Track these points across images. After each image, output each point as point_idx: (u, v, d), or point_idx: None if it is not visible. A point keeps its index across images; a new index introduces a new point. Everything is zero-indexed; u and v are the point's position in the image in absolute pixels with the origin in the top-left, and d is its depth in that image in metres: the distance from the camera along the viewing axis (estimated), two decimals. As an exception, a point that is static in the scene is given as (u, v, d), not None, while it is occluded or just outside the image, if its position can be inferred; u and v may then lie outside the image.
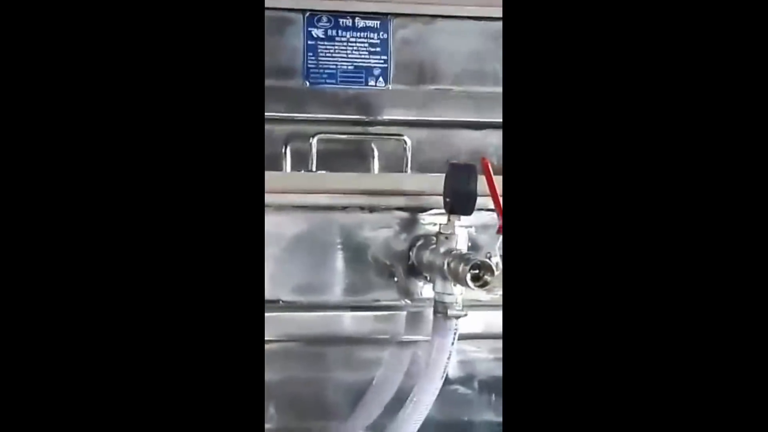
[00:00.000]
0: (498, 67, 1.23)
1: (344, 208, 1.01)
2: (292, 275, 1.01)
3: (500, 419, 1.10)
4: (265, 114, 1.02)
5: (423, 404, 0.97)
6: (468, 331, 0.98)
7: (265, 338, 0.92)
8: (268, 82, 1.05)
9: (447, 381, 1.02)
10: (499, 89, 0.98)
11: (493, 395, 1.08)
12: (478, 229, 0.99)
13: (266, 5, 0.98)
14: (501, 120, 0.93)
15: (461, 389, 1.07)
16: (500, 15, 0.82)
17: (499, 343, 0.90)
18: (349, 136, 1.17)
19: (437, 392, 0.97)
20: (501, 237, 0.95)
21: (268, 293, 1.00)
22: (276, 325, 1.00)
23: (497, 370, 1.05)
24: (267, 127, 1.10)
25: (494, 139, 1.16)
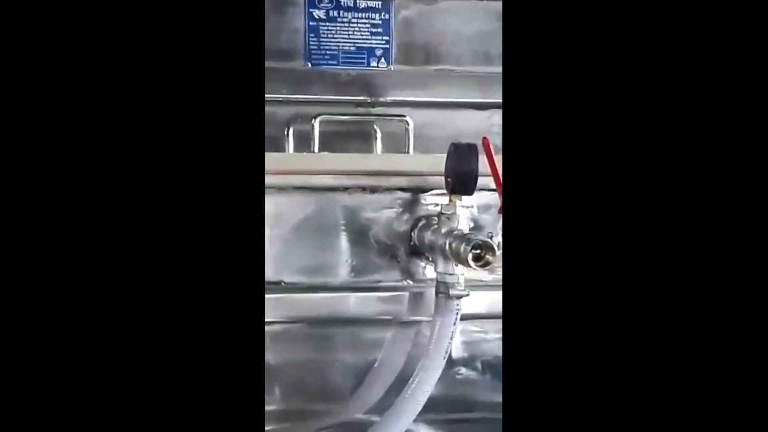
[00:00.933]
0: (500, 47, 1.19)
1: (346, 189, 1.01)
2: (294, 256, 1.02)
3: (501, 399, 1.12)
4: (267, 96, 1.08)
5: (426, 384, 0.97)
6: (471, 311, 0.97)
7: (267, 320, 0.96)
8: (270, 63, 1.08)
9: (450, 361, 1.01)
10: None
11: (497, 375, 1.07)
12: (480, 209, 1.01)
13: (266, -14, 0.97)
14: None
15: (464, 369, 1.06)
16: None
17: (500, 323, 0.94)
18: (352, 117, 1.16)
19: (440, 372, 0.97)
20: (501, 217, 0.92)
21: (270, 275, 1.01)
22: (278, 306, 1.01)
23: (500, 350, 1.03)
24: (269, 108, 1.10)
25: (497, 120, 1.14)
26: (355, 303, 1.03)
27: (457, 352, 1.08)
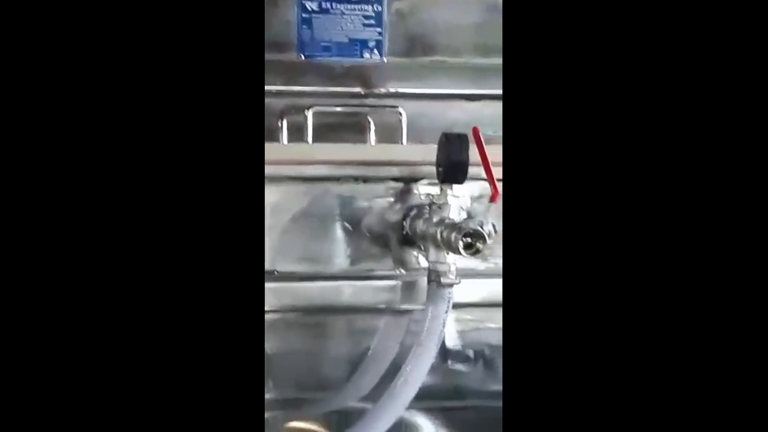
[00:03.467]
0: (493, 39, 1.18)
1: (338, 179, 1.02)
2: (288, 246, 1.03)
3: (496, 387, 1.11)
4: (267, 88, 1.07)
5: (418, 372, 0.98)
6: (463, 299, 0.98)
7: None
8: (274, 56, 1.10)
9: (443, 349, 1.02)
10: (495, 61, 0.97)
11: (489, 364, 1.08)
12: (471, 199, 1.01)
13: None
14: (496, 92, 0.90)
15: (457, 357, 1.07)
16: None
17: (494, 312, 0.97)
18: (345, 108, 1.15)
19: (432, 360, 0.98)
20: (492, 206, 0.95)
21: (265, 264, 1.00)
22: (272, 295, 1.01)
23: (492, 337, 1.08)
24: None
25: (489, 111, 1.13)
26: (348, 292, 1.04)
27: (450, 340, 1.08)
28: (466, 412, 1.11)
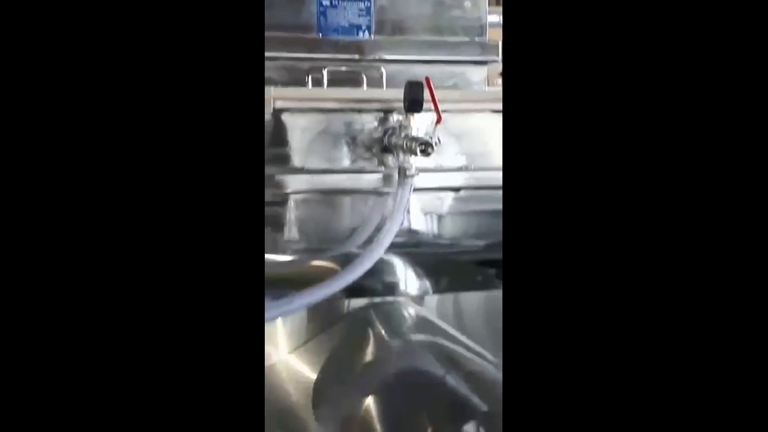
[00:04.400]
0: (443, 21, 1.49)
1: (343, 111, 1.24)
2: (311, 151, 1.23)
3: (445, 240, 1.35)
4: (293, 55, 1.41)
5: (389, 235, 1.20)
6: (419, 186, 1.24)
7: (293, 191, 1.22)
8: (294, 33, 1.40)
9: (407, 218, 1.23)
10: (445, 38, 1.35)
11: (437, 223, 1.34)
12: (425, 122, 1.24)
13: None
14: (444, 58, 1.27)
15: (414, 219, 1.32)
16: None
17: (440, 194, 1.26)
18: (347, 67, 1.42)
19: (398, 227, 1.19)
20: (438, 127, 1.19)
21: (297, 163, 1.22)
22: (301, 182, 1.23)
23: (437, 207, 1.33)
24: (293, 63, 1.40)
25: (437, 69, 1.39)
26: (349, 180, 1.27)
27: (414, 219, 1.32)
28: (424, 255, 1.38)
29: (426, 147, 1.18)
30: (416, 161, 1.22)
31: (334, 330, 1.36)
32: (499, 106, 1.21)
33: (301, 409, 1.29)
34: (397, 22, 1.50)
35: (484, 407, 1.10)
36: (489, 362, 1.24)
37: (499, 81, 1.62)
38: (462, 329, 1.36)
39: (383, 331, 1.31)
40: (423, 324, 1.38)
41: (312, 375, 1.32)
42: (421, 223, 1.36)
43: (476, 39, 1.55)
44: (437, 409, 1.14)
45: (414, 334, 1.34)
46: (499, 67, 1.58)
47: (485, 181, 1.33)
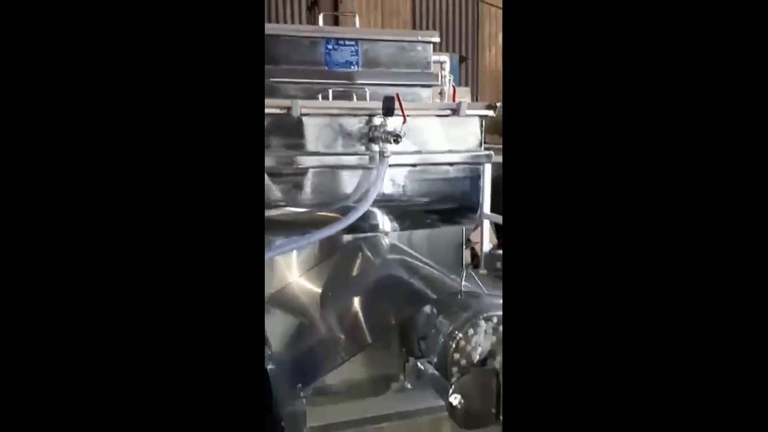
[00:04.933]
0: (404, 60, 2.06)
1: (341, 115, 1.82)
2: (320, 140, 1.79)
3: (417, 200, 1.85)
4: (310, 80, 1.93)
5: (370, 198, 1.73)
6: (391, 162, 1.82)
7: (305, 166, 1.76)
8: (310, 67, 1.96)
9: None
10: (407, 70, 1.97)
11: (404, 186, 1.87)
12: (395, 122, 1.79)
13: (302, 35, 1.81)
14: (405, 83, 1.93)
15: (391, 189, 1.86)
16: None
17: (404, 168, 1.88)
18: (343, 89, 1.98)
19: (377, 194, 1.73)
20: (405, 125, 1.74)
21: (311, 148, 1.79)
22: (309, 161, 1.81)
23: (404, 178, 1.87)
24: (310, 86, 1.93)
25: (402, 90, 1.92)
26: (346, 160, 1.84)
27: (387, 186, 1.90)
28: (394, 207, 1.90)
29: (396, 138, 1.80)
30: (390, 147, 1.83)
31: (334, 258, 1.98)
32: (440, 112, 1.88)
33: (312, 310, 1.92)
34: (375, 59, 2.14)
35: (433, 296, 1.75)
36: (435, 269, 1.88)
37: (437, 98, 2.27)
38: (418, 251, 2.00)
39: (369, 254, 1.95)
40: (394, 248, 2.05)
41: (318, 289, 1.95)
42: (392, 188, 1.97)
43: (424, 71, 2.18)
44: (404, 299, 1.79)
45: (389, 254, 1.99)
46: (438, 88, 2.22)
47: (430, 159, 1.92)
